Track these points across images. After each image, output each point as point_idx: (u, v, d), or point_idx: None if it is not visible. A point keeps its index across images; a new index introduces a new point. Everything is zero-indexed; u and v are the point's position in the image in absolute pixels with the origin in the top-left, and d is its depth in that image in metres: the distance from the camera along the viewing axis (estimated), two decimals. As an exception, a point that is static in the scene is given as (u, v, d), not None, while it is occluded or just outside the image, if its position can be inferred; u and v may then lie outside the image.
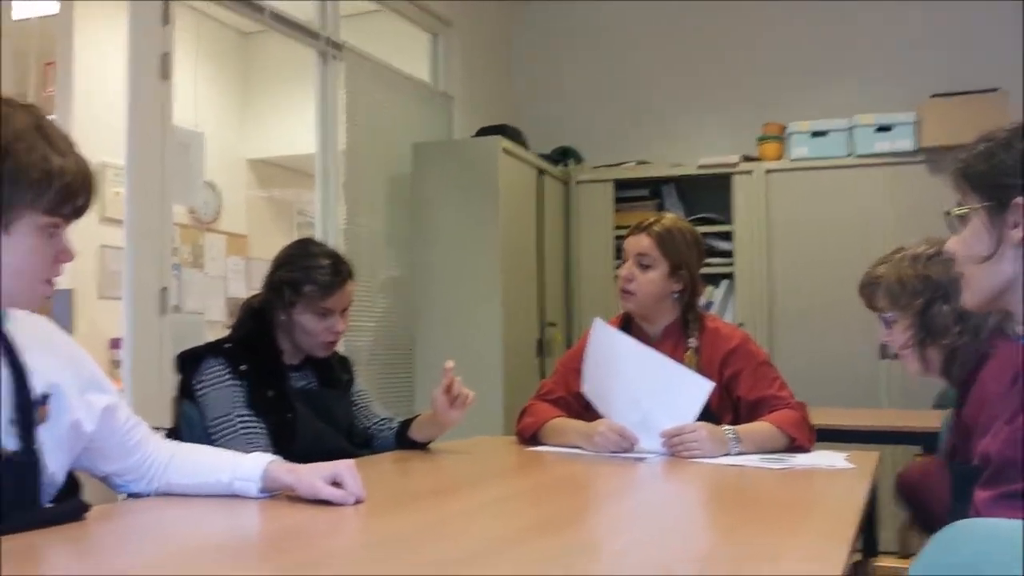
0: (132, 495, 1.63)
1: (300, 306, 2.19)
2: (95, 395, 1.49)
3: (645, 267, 2.44)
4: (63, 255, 1.37)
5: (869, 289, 1.99)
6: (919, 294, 1.85)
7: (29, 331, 1.43)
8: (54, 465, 1.39)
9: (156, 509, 1.57)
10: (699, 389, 2.25)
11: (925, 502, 1.87)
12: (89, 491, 1.57)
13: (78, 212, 1.35)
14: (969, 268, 1.42)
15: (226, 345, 2.18)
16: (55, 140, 1.32)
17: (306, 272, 2.19)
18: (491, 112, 5.24)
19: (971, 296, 1.43)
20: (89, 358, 1.53)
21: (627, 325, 2.51)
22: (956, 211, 1.42)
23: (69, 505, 1.40)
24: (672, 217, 2.54)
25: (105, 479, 1.60)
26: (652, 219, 2.50)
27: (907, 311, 1.87)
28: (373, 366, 4.30)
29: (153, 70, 3.28)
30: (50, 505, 1.39)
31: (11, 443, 1.31)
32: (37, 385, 1.37)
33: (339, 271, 2.23)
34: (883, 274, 1.94)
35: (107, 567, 1.20)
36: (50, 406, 1.39)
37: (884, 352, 2.00)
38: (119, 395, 1.56)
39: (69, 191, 1.32)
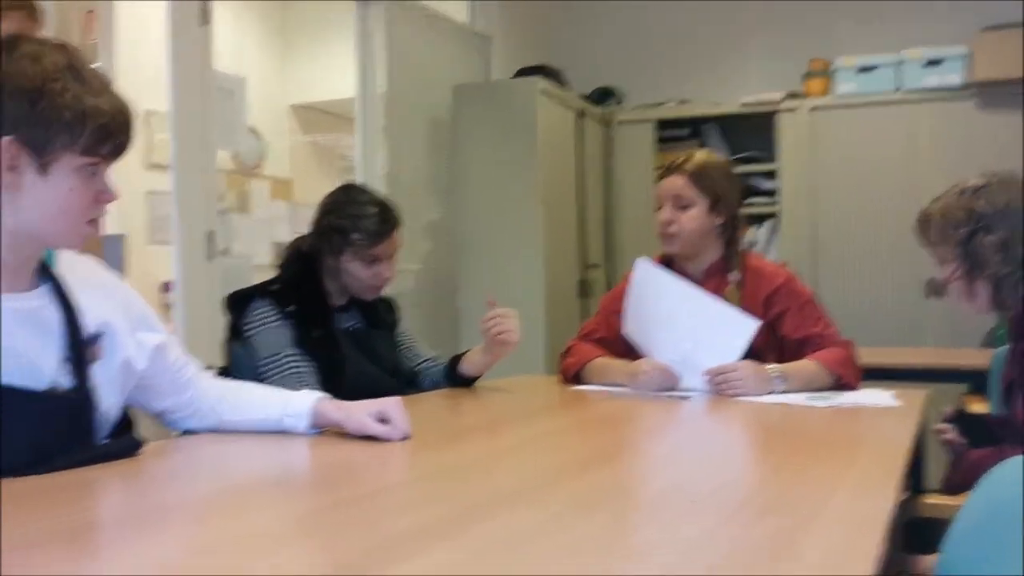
0: (186, 431, 1.67)
1: (348, 253, 2.21)
2: (146, 334, 1.52)
3: (683, 207, 2.40)
4: (104, 195, 1.38)
5: (921, 225, 1.97)
6: (962, 225, 1.83)
7: (79, 272, 1.46)
8: (108, 402, 1.42)
9: (208, 445, 1.61)
10: (744, 327, 2.24)
11: None
12: (144, 430, 1.62)
13: (116, 152, 1.36)
14: None
15: (273, 287, 2.21)
16: (89, 80, 1.32)
17: (354, 220, 2.20)
18: (530, 52, 5.18)
19: None
20: (139, 298, 1.56)
21: (669, 265, 2.48)
22: None
23: (123, 441, 1.44)
24: (703, 152, 2.48)
25: (158, 416, 1.64)
26: (682, 158, 2.44)
27: (952, 244, 1.85)
28: (417, 309, 4.32)
29: (193, 16, 3.28)
30: (105, 441, 1.43)
31: (66, 381, 1.34)
32: (89, 324, 1.40)
33: (387, 219, 2.24)
34: (933, 210, 1.92)
35: (161, 501, 1.24)
36: (102, 344, 1.42)
37: (929, 289, 1.97)
38: (169, 334, 1.59)
39: (105, 131, 1.32)
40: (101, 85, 1.35)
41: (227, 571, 0.90)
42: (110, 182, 1.40)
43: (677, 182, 2.39)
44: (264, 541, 1.02)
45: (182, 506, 1.21)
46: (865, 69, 4.75)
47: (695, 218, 2.39)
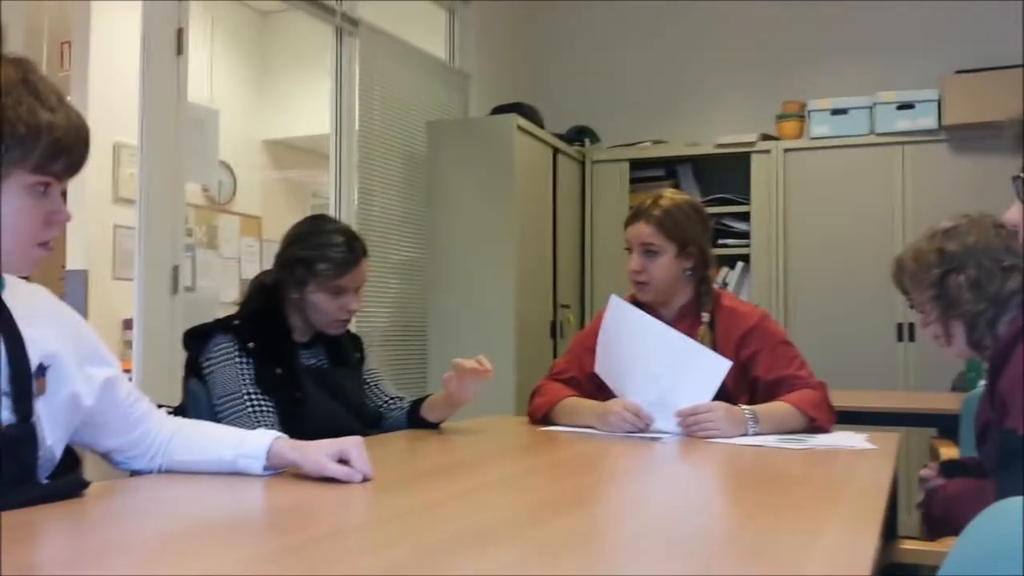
0: (134, 472, 1.60)
1: (313, 284, 2.15)
2: (95, 368, 1.45)
3: (652, 255, 2.37)
4: (56, 216, 1.32)
5: (896, 272, 2.01)
6: (934, 266, 1.85)
7: (27, 301, 1.39)
8: (52, 438, 1.35)
9: (157, 486, 1.54)
10: (716, 367, 2.20)
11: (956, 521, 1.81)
12: (91, 471, 1.54)
13: (70, 170, 1.30)
14: None
15: (234, 322, 2.14)
16: (44, 94, 1.27)
17: (320, 250, 2.15)
18: (507, 90, 5.18)
19: None
20: (89, 329, 1.49)
21: (641, 305, 2.45)
22: (1022, 173, 1.34)
23: (67, 481, 1.37)
24: (668, 193, 2.46)
25: (106, 455, 1.57)
26: (648, 202, 2.42)
27: (925, 286, 1.87)
28: (386, 348, 4.27)
29: (168, 45, 3.25)
30: (48, 481, 1.36)
31: (7, 416, 1.27)
32: (34, 356, 1.33)
33: (353, 248, 2.18)
34: (906, 255, 1.94)
35: (105, 543, 1.17)
36: (48, 378, 1.35)
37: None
38: (119, 369, 1.52)
39: (59, 147, 1.27)
40: (57, 100, 1.30)
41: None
42: (61, 203, 1.33)
43: (644, 230, 2.38)
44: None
45: (127, 548, 1.14)
46: (838, 112, 4.78)
47: (664, 266, 2.37)
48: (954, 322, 1.84)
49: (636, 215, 2.41)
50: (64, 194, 1.36)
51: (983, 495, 1.66)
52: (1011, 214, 1.40)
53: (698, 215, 2.45)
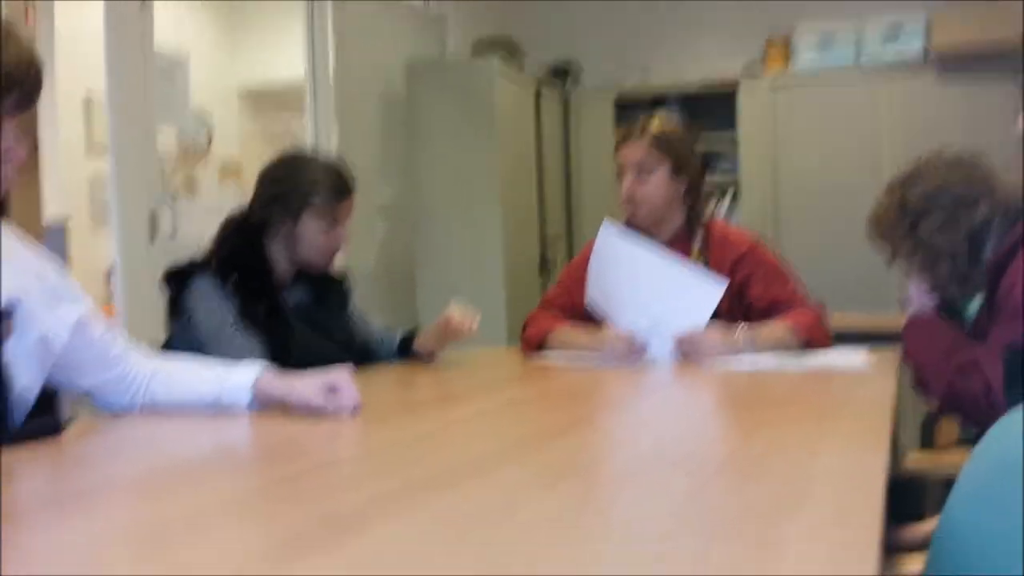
0: (115, 412, 1.54)
1: (307, 216, 2.09)
2: (65, 307, 1.39)
3: (646, 173, 2.31)
4: (10, 153, 1.25)
5: (870, 233, 1.98)
6: (901, 219, 1.85)
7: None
8: (23, 381, 1.30)
9: (140, 424, 1.49)
10: (711, 289, 2.15)
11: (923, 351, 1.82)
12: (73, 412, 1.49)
13: (21, 104, 1.24)
14: None
15: (214, 260, 2.07)
16: None
17: (313, 181, 2.09)
18: (486, 25, 5.05)
19: None
20: (58, 268, 1.43)
21: (633, 231, 2.39)
22: None
23: (43, 422, 1.32)
24: (660, 117, 2.40)
25: (86, 395, 1.51)
26: (640, 124, 2.37)
27: (899, 240, 1.87)
28: (374, 293, 4.21)
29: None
30: (24, 422, 1.30)
31: (-26, 359, 1.22)
32: (-1, 298, 1.27)
33: (347, 178, 2.16)
34: (874, 215, 1.94)
35: (86, 483, 1.12)
36: (14, 320, 1.29)
37: (903, 305, 1.96)
38: (92, 306, 1.46)
39: (10, 80, 1.20)
40: (6, 34, 1.22)
41: (156, 553, 0.79)
42: (15, 138, 1.26)
43: (637, 149, 2.32)
44: (197, 521, 0.91)
45: (108, 488, 1.09)
46: (825, 41, 4.68)
47: (659, 185, 2.31)
48: (938, 268, 1.84)
49: (628, 135, 2.35)
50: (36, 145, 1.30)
51: (942, 343, 1.68)
52: (1021, 123, 1.36)
53: (690, 139, 2.40)
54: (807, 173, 4.74)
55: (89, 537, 0.87)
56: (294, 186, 2.10)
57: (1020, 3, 4.20)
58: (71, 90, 4.68)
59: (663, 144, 2.31)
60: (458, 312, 2.17)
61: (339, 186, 2.12)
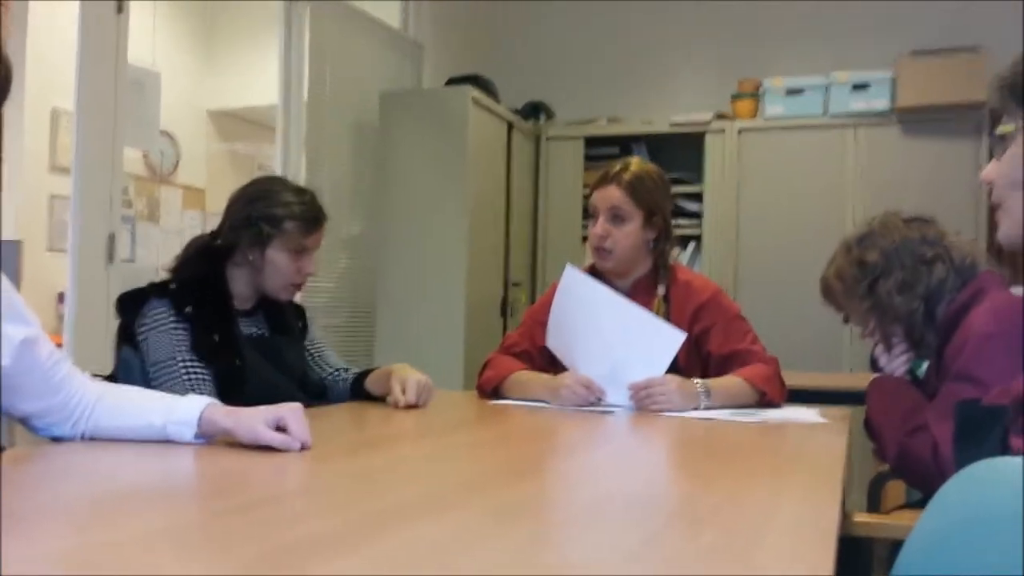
0: (55, 439, 1.50)
1: (276, 244, 2.07)
2: (12, 326, 1.36)
3: (619, 220, 2.32)
4: None
5: (825, 294, 2.01)
6: (859, 280, 1.86)
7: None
8: (-37, 401, 1.26)
9: (80, 452, 1.45)
10: (671, 340, 2.15)
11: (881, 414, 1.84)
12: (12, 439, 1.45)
13: None
14: (1007, 196, 1.31)
15: (171, 286, 2.04)
16: None
17: (288, 207, 2.08)
18: (462, 63, 5.08)
19: (1009, 227, 1.32)
20: (8, 285, 1.39)
21: (596, 276, 2.40)
22: (1001, 130, 1.30)
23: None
24: (637, 160, 2.41)
25: (24, 420, 1.47)
26: (618, 167, 2.37)
27: (857, 300, 1.88)
28: (333, 326, 4.17)
29: (108, 3, 3.10)
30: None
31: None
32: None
33: (318, 207, 2.14)
34: (829, 275, 1.95)
35: (20, 508, 1.08)
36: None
37: (875, 365, 1.98)
38: (39, 328, 1.43)
39: None
40: None
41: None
42: None
43: (614, 194, 2.32)
44: (131, 552, 0.88)
45: (42, 514, 1.05)
46: (793, 91, 4.77)
47: (630, 234, 2.32)
48: (892, 327, 1.85)
49: (606, 179, 2.35)
50: None
51: (905, 404, 1.69)
52: (984, 172, 1.37)
53: (665, 185, 2.40)
54: (770, 225, 4.78)
55: (20, 564, 0.83)
56: (267, 212, 2.08)
57: (986, 53, 4.31)
58: (38, 105, 4.63)
59: (639, 192, 2.32)
60: (400, 390, 2.08)
61: (311, 215, 2.11)
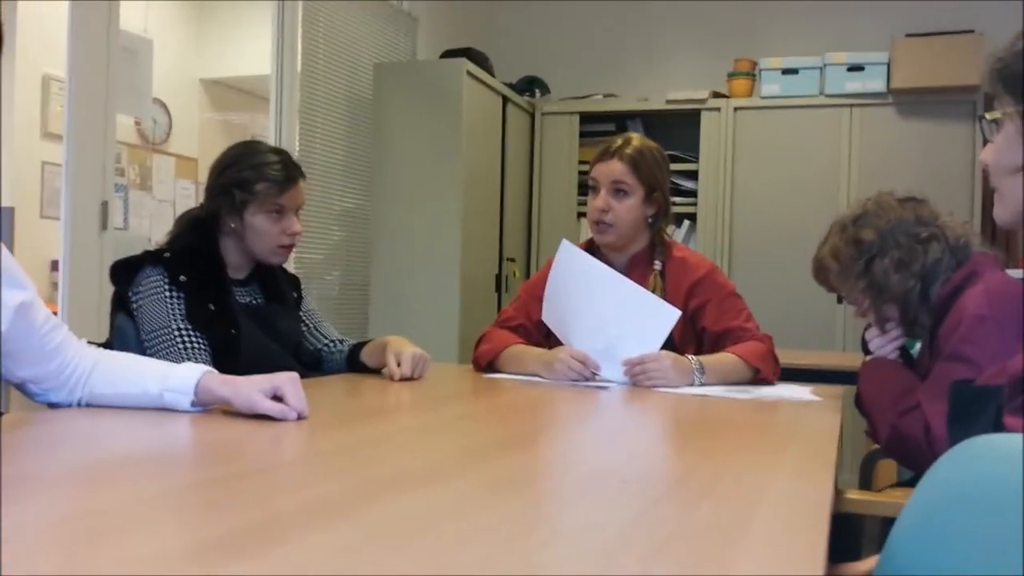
0: (52, 405, 1.50)
1: (253, 206, 2.06)
2: (8, 291, 1.35)
3: (621, 194, 2.32)
4: None
5: (817, 273, 2.00)
6: (855, 259, 1.85)
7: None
8: (-41, 365, 1.25)
9: (76, 418, 1.45)
10: (666, 316, 2.15)
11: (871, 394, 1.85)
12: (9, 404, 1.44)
13: None
14: (1001, 179, 1.31)
15: (165, 254, 2.03)
16: None
17: (257, 170, 2.06)
18: (457, 36, 5.05)
19: (1003, 210, 1.32)
20: (3, 251, 1.39)
21: (593, 252, 2.40)
22: (989, 115, 1.30)
23: (-25, 409, 1.27)
24: (638, 136, 2.41)
25: (21, 386, 1.47)
26: (620, 142, 2.37)
27: (852, 279, 1.87)
28: (327, 299, 4.17)
29: (99, -30, 3.07)
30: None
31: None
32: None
33: (291, 165, 2.12)
34: (823, 255, 1.95)
35: (15, 473, 1.08)
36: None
37: (866, 347, 1.98)
38: (35, 293, 1.42)
39: None
40: None
41: (80, 549, 0.76)
42: None
43: (617, 167, 2.32)
44: (126, 518, 0.88)
45: (39, 478, 1.05)
46: (789, 71, 4.76)
47: (631, 208, 2.32)
48: (887, 306, 1.85)
49: (608, 153, 2.35)
50: None
51: (897, 384, 1.71)
52: (983, 154, 1.37)
53: (665, 162, 2.41)
54: (765, 203, 4.78)
55: (15, 529, 0.83)
56: (238, 177, 2.08)
57: (981, 35, 4.31)
58: (29, 72, 4.59)
59: (642, 166, 2.32)
60: (395, 362, 2.08)
61: (283, 175, 2.08)
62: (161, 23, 5.22)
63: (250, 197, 2.05)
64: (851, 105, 4.65)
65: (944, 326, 1.70)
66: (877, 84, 4.59)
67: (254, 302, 2.14)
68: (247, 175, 2.06)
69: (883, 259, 1.81)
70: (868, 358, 1.95)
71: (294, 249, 2.19)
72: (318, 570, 0.72)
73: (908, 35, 4.56)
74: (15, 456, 1.20)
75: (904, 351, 1.95)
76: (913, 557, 0.89)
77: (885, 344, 1.92)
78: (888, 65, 4.57)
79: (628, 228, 2.33)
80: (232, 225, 2.07)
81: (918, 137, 4.52)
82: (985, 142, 1.35)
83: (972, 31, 4.42)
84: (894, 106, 4.58)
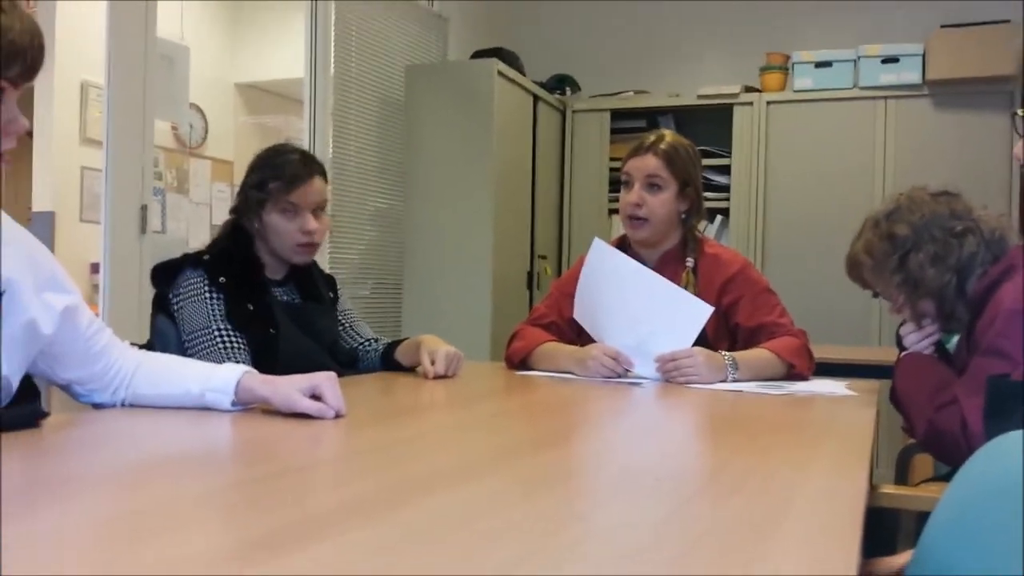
0: (96, 406, 1.53)
1: (268, 206, 2.09)
2: (54, 295, 1.38)
3: (655, 189, 2.32)
4: (12, 125, 1.24)
5: (851, 270, 1.99)
6: (890, 254, 1.84)
7: (-20, 224, 1.32)
8: (8, 368, 1.29)
9: (120, 419, 1.48)
10: (698, 313, 2.16)
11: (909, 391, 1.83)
12: (53, 405, 1.48)
13: (26, 75, 1.22)
14: None
15: (205, 257, 2.07)
16: None
17: (271, 169, 2.10)
18: (487, 36, 5.07)
19: None
20: (49, 255, 1.42)
21: (624, 250, 2.40)
22: (1021, 111, 1.30)
23: (23, 409, 1.31)
24: (671, 133, 2.42)
25: (66, 387, 1.50)
26: (653, 138, 2.38)
27: (888, 275, 1.86)
28: (360, 299, 4.20)
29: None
30: (4, 410, 1.29)
31: (-42, 341, 1.21)
32: (-12, 280, 1.27)
33: (305, 163, 2.12)
34: (857, 251, 1.93)
35: (62, 473, 1.11)
36: (3, 303, 1.28)
37: (901, 343, 1.97)
38: (80, 297, 1.46)
39: (13, 50, 1.19)
40: (9, 6, 1.22)
41: (125, 548, 0.78)
42: (17, 111, 1.25)
43: (651, 162, 2.33)
44: (169, 517, 0.90)
45: (82, 480, 1.08)
46: (822, 64, 4.73)
47: (665, 202, 2.32)
48: (923, 301, 1.84)
49: (642, 148, 2.36)
50: (30, 134, 1.28)
51: (933, 379, 1.70)
52: (1017, 149, 1.37)
53: (698, 159, 2.42)
54: (798, 198, 4.75)
55: (59, 528, 0.86)
56: (256, 178, 2.11)
57: (1017, 26, 4.26)
58: (68, 78, 4.67)
59: (675, 162, 2.33)
60: (429, 361, 2.11)
61: (291, 172, 2.09)
62: (196, 29, 5.29)
63: (266, 196, 2.08)
64: (886, 97, 4.61)
65: (981, 321, 1.68)
66: (912, 76, 4.54)
67: (292, 301, 2.18)
68: (263, 175, 2.10)
69: (918, 254, 1.80)
70: (903, 354, 1.94)
71: (321, 248, 2.21)
72: (356, 568, 0.74)
73: (943, 26, 4.51)
74: (60, 456, 1.23)
75: (940, 346, 1.93)
76: (948, 552, 0.89)
77: (920, 340, 1.91)
78: (923, 56, 4.53)
79: (662, 223, 2.34)
80: (256, 226, 2.10)
81: (954, 129, 4.47)
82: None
83: (1008, 21, 4.36)
84: (929, 98, 4.53)
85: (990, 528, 0.87)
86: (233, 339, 1.98)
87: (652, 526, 0.91)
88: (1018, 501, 0.86)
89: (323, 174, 2.16)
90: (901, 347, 1.97)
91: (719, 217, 4.93)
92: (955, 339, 1.94)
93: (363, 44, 4.26)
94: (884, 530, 1.71)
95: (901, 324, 1.97)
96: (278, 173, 2.08)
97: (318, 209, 2.13)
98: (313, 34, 4.09)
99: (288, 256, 2.13)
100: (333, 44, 4.10)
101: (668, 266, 2.35)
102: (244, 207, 2.11)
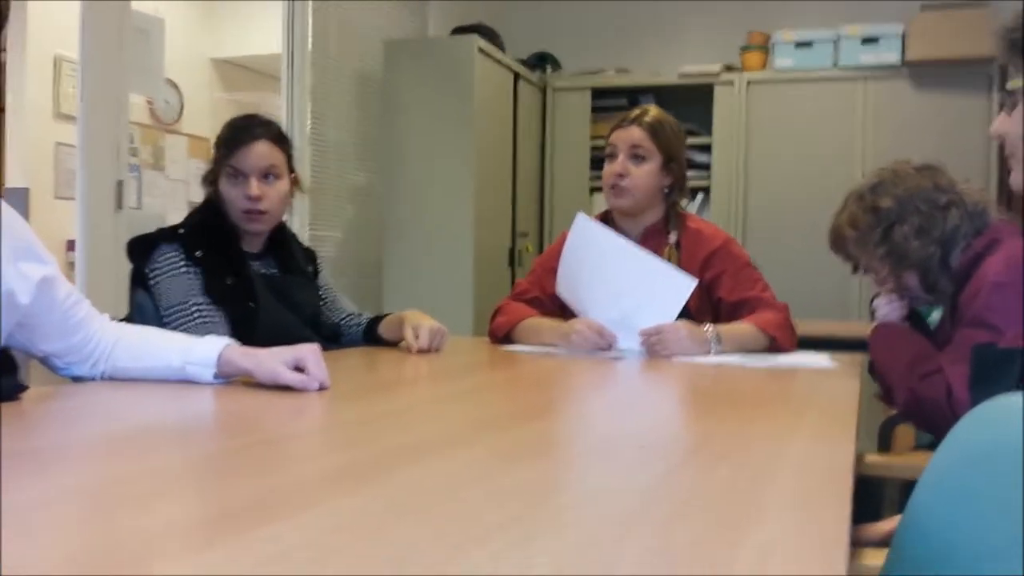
0: (75, 379, 1.51)
1: (219, 175, 2.07)
2: (30, 264, 1.36)
3: (639, 160, 2.32)
4: None
5: (835, 242, 1.98)
6: (874, 226, 1.84)
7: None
8: (-15, 338, 1.26)
9: (100, 392, 1.46)
10: (682, 286, 2.16)
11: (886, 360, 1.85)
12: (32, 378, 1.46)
13: None
14: (1019, 146, 1.31)
15: (180, 230, 2.04)
16: None
17: (220, 135, 2.09)
18: (467, 12, 5.03)
19: (1020, 178, 1.32)
20: (24, 225, 1.40)
21: (607, 224, 2.40)
22: (1010, 85, 1.30)
23: (2, 383, 1.28)
24: (656, 108, 2.43)
25: (44, 360, 1.48)
26: (638, 111, 2.39)
27: (872, 247, 1.86)
28: (340, 278, 4.18)
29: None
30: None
31: (-67, 312, 1.18)
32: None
33: (249, 127, 2.07)
34: (840, 223, 1.93)
35: (40, 444, 1.09)
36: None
37: (871, 312, 1.98)
38: (57, 268, 1.43)
39: None
40: None
41: (103, 517, 0.77)
42: None
43: (635, 133, 2.33)
44: (148, 487, 0.89)
45: (64, 449, 1.07)
46: (803, 44, 4.73)
47: (649, 173, 2.33)
48: (907, 273, 1.84)
49: (627, 120, 2.37)
50: (2, 109, 1.26)
51: (908, 349, 1.71)
52: (994, 125, 1.37)
53: (682, 135, 2.44)
54: (778, 176, 4.76)
55: (38, 498, 0.85)
56: (212, 150, 2.11)
57: (996, 8, 4.26)
58: (41, 52, 4.60)
59: (660, 135, 2.34)
60: (413, 336, 2.11)
61: (233, 136, 2.06)
62: (171, 2, 5.21)
63: (215, 164, 2.06)
64: (866, 78, 4.62)
65: (965, 293, 1.69)
66: (892, 56, 4.55)
67: (271, 274, 2.15)
68: (216, 142, 2.08)
69: (902, 226, 1.80)
70: (876, 323, 1.95)
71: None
72: (340, 536, 0.73)
73: (924, 7, 4.52)
74: (39, 429, 1.21)
75: (916, 316, 1.94)
76: (935, 517, 0.90)
77: (891, 307, 1.92)
78: (903, 37, 4.53)
79: (644, 194, 2.33)
80: (216, 196, 2.08)
81: (933, 109, 4.48)
82: (1000, 111, 1.34)
83: (985, 2, 4.37)
84: (909, 79, 4.54)
85: (976, 494, 0.87)
86: (211, 314, 1.96)
87: (639, 492, 0.90)
88: (1006, 465, 0.86)
89: (274, 139, 2.08)
90: (874, 318, 1.98)
91: (700, 195, 4.93)
92: (935, 312, 1.95)
93: (341, 19, 4.22)
94: (869, 499, 1.72)
95: (873, 297, 1.98)
96: (222, 139, 2.06)
97: (269, 175, 2.06)
98: (290, 8, 4.04)
99: (240, 224, 2.08)
100: (311, 19, 4.04)
101: (651, 240, 2.35)
102: (210, 178, 2.09)
